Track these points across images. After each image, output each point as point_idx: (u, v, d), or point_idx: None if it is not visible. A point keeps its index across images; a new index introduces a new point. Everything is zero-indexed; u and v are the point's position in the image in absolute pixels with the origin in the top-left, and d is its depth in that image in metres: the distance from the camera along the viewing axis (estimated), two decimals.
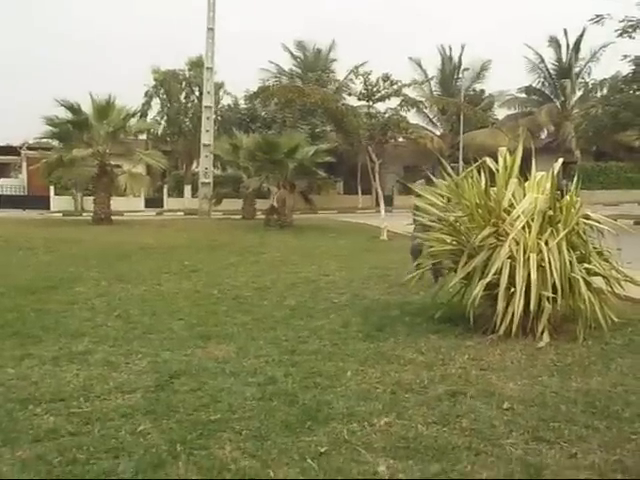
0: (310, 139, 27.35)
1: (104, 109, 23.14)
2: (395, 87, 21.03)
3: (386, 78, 20.83)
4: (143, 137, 33.70)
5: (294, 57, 38.03)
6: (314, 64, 37.19)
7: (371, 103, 21.71)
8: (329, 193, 27.58)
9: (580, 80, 39.59)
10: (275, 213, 22.94)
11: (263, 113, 34.65)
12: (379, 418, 4.15)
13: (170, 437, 3.81)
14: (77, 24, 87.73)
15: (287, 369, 5.19)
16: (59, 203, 34.85)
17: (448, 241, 7.09)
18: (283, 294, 8.83)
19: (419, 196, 7.67)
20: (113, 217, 24.53)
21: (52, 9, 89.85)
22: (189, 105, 37.64)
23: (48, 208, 34.23)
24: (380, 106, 22.31)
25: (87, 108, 23.30)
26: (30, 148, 37.24)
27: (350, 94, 26.39)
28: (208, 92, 30.26)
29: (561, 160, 7.41)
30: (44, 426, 3.96)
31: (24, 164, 38.28)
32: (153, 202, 35.23)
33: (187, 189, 36.57)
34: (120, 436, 3.82)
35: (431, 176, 8.25)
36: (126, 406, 4.33)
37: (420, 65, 38.32)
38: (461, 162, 30.96)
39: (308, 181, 24.32)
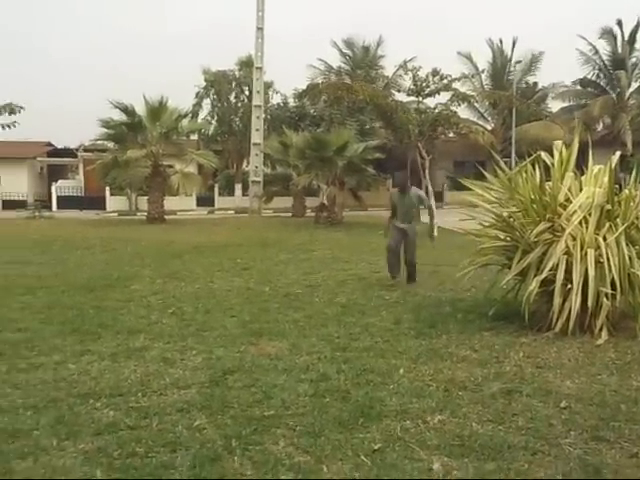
0: (359, 136, 27.27)
1: (157, 111, 23.59)
2: (445, 82, 20.79)
3: (435, 73, 20.63)
4: (194, 137, 34.19)
5: (342, 54, 37.94)
6: (362, 61, 37.00)
7: (420, 98, 21.51)
8: (379, 190, 27.36)
9: (636, 72, 38.34)
10: (325, 210, 22.98)
11: (312, 111, 34.69)
12: (432, 416, 4.12)
13: (225, 432, 3.87)
14: (129, 29, 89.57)
15: (339, 366, 5.21)
16: (114, 203, 35.71)
17: (501, 237, 6.99)
18: (334, 291, 8.85)
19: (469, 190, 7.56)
20: (166, 216, 24.99)
21: (108, 14, 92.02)
22: (239, 105, 37.97)
23: (104, 208, 35.12)
24: (430, 101, 22.11)
25: (141, 110, 23.81)
26: (86, 150, 38.24)
27: (399, 90, 26.25)
28: (258, 91, 30.49)
29: (619, 153, 7.21)
30: (104, 420, 4.08)
31: (81, 166, 39.35)
32: (204, 201, 35.71)
33: (238, 188, 36.92)
34: (177, 431, 3.90)
35: (483, 171, 8.12)
36: (182, 401, 4.42)
37: (470, 59, 37.72)
38: (514, 156, 30.35)
39: (357, 178, 24.25)
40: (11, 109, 34.27)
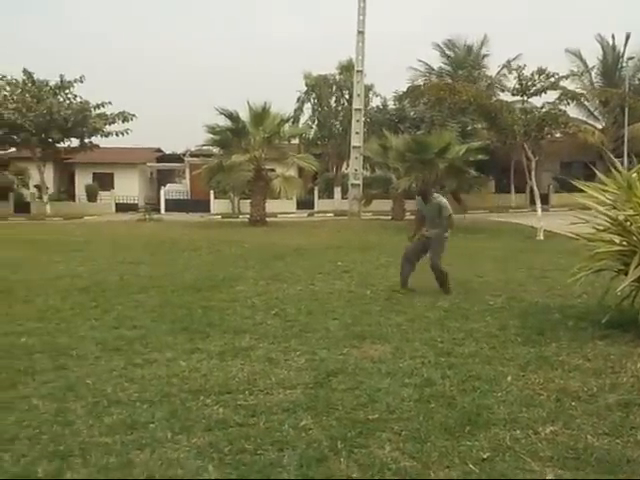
0: (460, 138, 26.77)
1: (260, 116, 24.19)
2: (552, 80, 20.02)
3: (541, 71, 19.88)
4: (295, 141, 34.76)
5: (444, 55, 37.44)
6: (464, 61, 36.35)
7: (525, 98, 20.83)
8: (480, 192, 26.77)
9: None
10: None
11: (412, 113, 34.44)
12: (544, 426, 3.97)
13: (331, 434, 3.89)
14: (235, 37, 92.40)
15: (444, 371, 5.13)
16: (218, 206, 36.94)
17: (617, 241, 6.64)
18: (436, 295, 8.72)
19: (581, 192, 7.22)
20: (267, 219, 25.55)
21: (213, 20, 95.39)
22: (339, 108, 38.31)
23: (208, 211, 36.40)
24: (535, 100, 21.36)
25: (245, 116, 24.50)
26: (192, 155, 39.80)
27: (503, 90, 25.52)
28: (358, 95, 30.59)
29: None
30: (214, 416, 4.21)
31: (187, 170, 40.96)
32: (304, 204, 36.25)
33: (337, 191, 37.21)
34: (284, 430, 3.97)
35: (597, 172, 7.76)
36: (288, 401, 4.49)
37: (579, 56, 36.19)
38: (626, 157, 28.78)
39: (458, 180, 23.82)
40: (124, 117, 36.30)
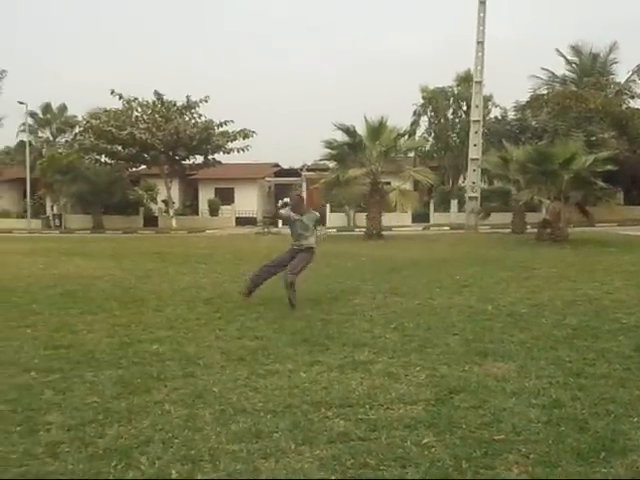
0: (586, 147, 25.52)
1: (377, 130, 24.32)
2: None
3: None
4: (411, 154, 34.59)
5: (568, 62, 35.93)
6: (591, 68, 34.72)
7: None
8: (608, 204, 25.35)
9: None
10: (548, 226, 21.81)
11: (533, 123, 33.30)
12: None
13: (454, 452, 3.81)
14: (348, 50, 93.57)
15: (574, 393, 4.88)
16: (334, 219, 37.42)
17: None
18: (562, 312, 8.33)
19: None
20: (383, 232, 25.53)
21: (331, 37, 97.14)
22: (456, 120, 37.77)
23: (324, 224, 36.88)
24: None
25: (361, 130, 24.70)
26: (309, 170, 40.61)
27: (633, 96, 24.17)
28: (476, 106, 30.06)
29: None
30: (336, 429, 4.24)
31: (304, 184, 41.81)
32: (420, 217, 35.97)
33: (453, 204, 36.62)
34: (406, 446, 3.92)
35: None
36: (409, 417, 4.44)
37: None
38: None
39: (584, 192, 22.68)
40: (245, 134, 37.70)
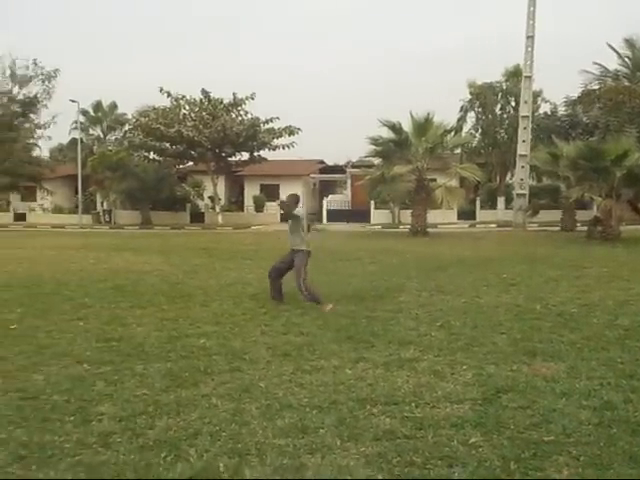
0: (639, 144, 24.82)
1: (423, 126, 24.14)
2: None
3: None
4: (457, 151, 34.18)
5: (620, 56, 34.87)
6: None
7: None
8: None
9: None
10: (599, 224, 21.29)
11: (584, 119, 32.51)
12: None
13: (502, 453, 3.76)
14: (396, 45, 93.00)
15: (626, 395, 4.77)
16: (378, 216, 37.26)
17: None
18: (614, 312, 8.13)
19: None
20: (428, 229, 25.32)
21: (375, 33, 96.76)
22: (504, 116, 37.10)
23: (368, 221, 36.83)
24: None
25: (407, 126, 24.55)
26: (354, 166, 40.54)
27: None
28: (525, 101, 29.51)
29: None
30: (381, 426, 4.23)
31: (349, 181, 41.80)
32: (466, 214, 35.52)
33: (500, 201, 36.04)
34: (452, 445, 3.89)
35: None
36: (455, 416, 4.40)
37: None
38: None
39: (637, 189, 22.06)
40: (290, 131, 37.85)
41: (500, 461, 3.65)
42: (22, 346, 6.58)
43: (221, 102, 38.08)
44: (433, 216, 27.88)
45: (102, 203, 44.24)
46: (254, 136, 37.63)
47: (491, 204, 36.89)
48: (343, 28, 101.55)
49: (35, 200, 44.82)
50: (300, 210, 9.46)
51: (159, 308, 8.83)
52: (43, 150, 45.50)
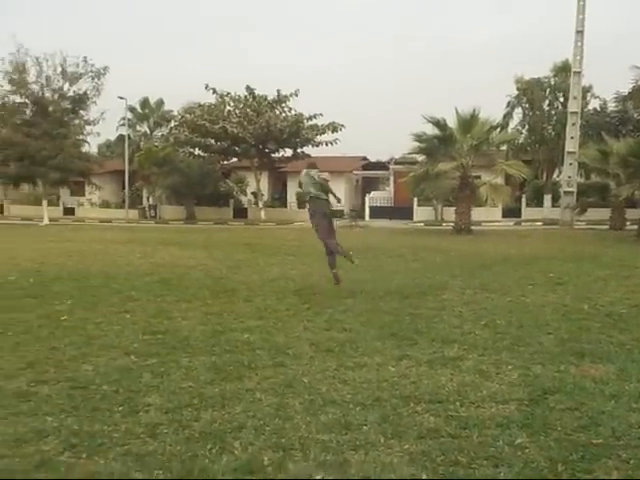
0: None
1: (468, 123, 23.84)
2: None
3: None
4: (503, 147, 33.69)
5: None
6: None
7: None
8: None
9: None
10: None
11: (635, 115, 31.66)
12: None
13: (549, 455, 3.70)
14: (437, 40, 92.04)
15: None
16: (421, 213, 37.03)
17: None
18: None
19: None
20: (472, 227, 25.02)
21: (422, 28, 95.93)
22: (552, 112, 36.37)
23: (411, 218, 36.61)
24: None
25: (452, 123, 24.29)
26: (397, 163, 40.33)
27: None
28: (574, 97, 28.88)
29: None
30: (425, 424, 4.21)
31: (392, 178, 41.58)
32: (510, 212, 34.99)
33: (547, 199, 35.41)
34: (498, 446, 3.84)
35: None
36: (501, 416, 4.35)
37: None
38: None
39: None
40: (334, 127, 37.84)
41: (547, 463, 3.59)
42: (72, 337, 6.76)
43: (265, 99, 38.31)
44: (477, 214, 27.56)
45: (148, 198, 45.03)
46: (297, 132, 37.76)
47: (537, 202, 36.26)
48: (382, 22, 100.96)
49: (83, 195, 45.85)
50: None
51: (203, 302, 8.94)
52: (92, 146, 46.54)
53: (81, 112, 35.86)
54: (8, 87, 33.99)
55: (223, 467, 3.58)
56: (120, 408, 4.53)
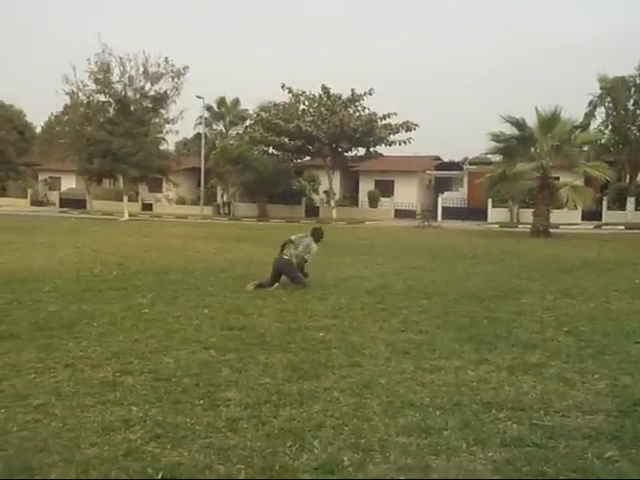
0: None
1: (549, 122, 23.13)
2: None
3: None
4: (584, 148, 32.52)
5: None
6: None
7: None
8: None
9: None
10: None
11: None
12: None
13: None
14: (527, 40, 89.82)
15: None
16: (495, 215, 36.22)
17: None
18: None
19: None
20: (550, 229, 24.28)
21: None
22: (637, 112, 34.80)
23: (485, 219, 35.87)
24: None
25: (532, 122, 23.64)
26: (471, 163, 39.61)
27: None
28: None
29: None
30: (509, 432, 4.08)
31: (465, 178, 40.87)
32: (590, 215, 33.74)
33: (630, 201, 33.96)
34: (586, 458, 3.69)
35: None
36: (588, 427, 4.17)
37: None
38: None
39: None
40: (407, 127, 37.52)
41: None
42: (153, 330, 6.94)
43: (339, 98, 38.38)
44: (555, 216, 26.71)
45: (222, 195, 45.87)
46: (371, 132, 37.66)
47: (620, 205, 34.83)
48: (464, 21, 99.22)
49: (161, 191, 47.17)
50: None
51: (278, 300, 9.01)
52: (170, 144, 47.81)
53: (161, 111, 36.85)
54: (93, 87, 35.24)
55: (304, 465, 3.58)
56: (201, 402, 4.61)
